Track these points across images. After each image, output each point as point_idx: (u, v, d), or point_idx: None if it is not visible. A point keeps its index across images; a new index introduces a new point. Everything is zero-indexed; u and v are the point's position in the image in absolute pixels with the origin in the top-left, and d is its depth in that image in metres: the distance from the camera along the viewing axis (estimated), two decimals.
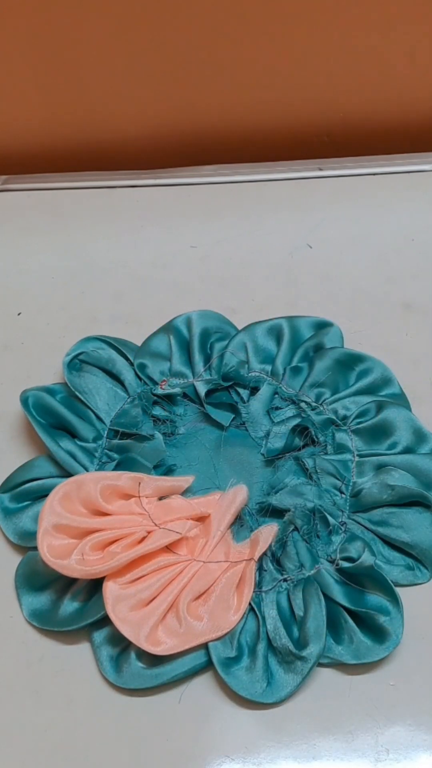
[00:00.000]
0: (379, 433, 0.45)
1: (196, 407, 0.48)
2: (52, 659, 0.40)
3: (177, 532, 0.41)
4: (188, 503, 0.43)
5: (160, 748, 0.37)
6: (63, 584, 0.41)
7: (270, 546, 0.41)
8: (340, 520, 0.43)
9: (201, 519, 0.43)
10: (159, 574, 0.40)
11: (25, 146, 0.65)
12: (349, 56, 0.61)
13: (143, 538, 0.41)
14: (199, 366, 0.48)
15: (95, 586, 0.40)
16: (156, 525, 0.42)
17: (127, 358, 0.49)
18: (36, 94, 0.62)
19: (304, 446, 0.46)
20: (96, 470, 0.45)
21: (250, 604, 0.40)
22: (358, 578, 0.40)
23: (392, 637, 0.38)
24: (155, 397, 0.47)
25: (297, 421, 0.46)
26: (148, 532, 0.41)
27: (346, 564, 0.40)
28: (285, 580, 0.41)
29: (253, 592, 0.40)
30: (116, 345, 0.49)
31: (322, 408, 0.46)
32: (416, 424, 0.45)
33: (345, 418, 0.46)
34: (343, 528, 0.42)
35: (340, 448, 0.45)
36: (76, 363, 0.49)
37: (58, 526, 0.41)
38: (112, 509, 0.42)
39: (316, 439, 0.46)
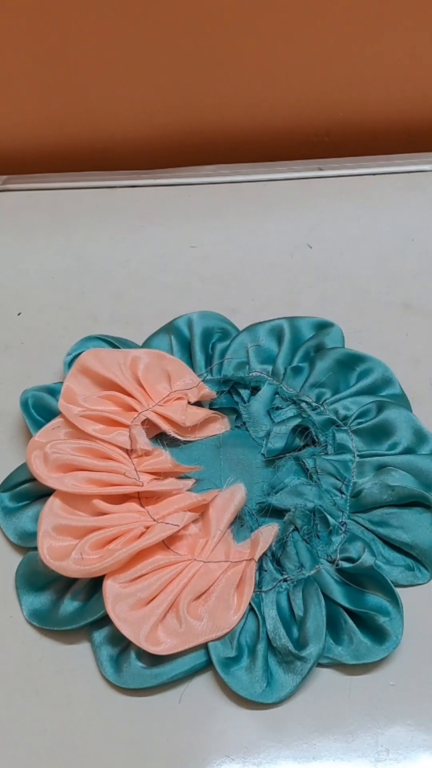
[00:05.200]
0: (379, 433, 0.45)
1: None
2: (52, 659, 0.40)
3: (175, 525, 0.41)
4: (185, 495, 0.43)
5: (160, 748, 0.37)
6: (63, 584, 0.41)
7: (270, 546, 0.41)
8: (340, 520, 0.43)
9: (198, 509, 0.43)
10: (159, 574, 0.40)
11: (25, 146, 0.65)
12: (349, 56, 0.61)
13: (142, 534, 0.41)
14: (201, 366, 0.48)
15: (95, 585, 0.40)
16: (154, 520, 0.42)
17: None
18: (36, 94, 0.62)
19: (304, 446, 0.46)
20: None
21: (250, 604, 0.40)
22: (358, 578, 0.40)
23: (392, 637, 0.38)
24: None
25: (297, 421, 0.46)
26: (147, 528, 0.41)
27: (346, 564, 0.40)
28: (285, 580, 0.41)
29: (253, 592, 0.40)
30: (116, 345, 0.49)
31: (322, 408, 0.46)
32: (417, 425, 0.45)
33: (345, 418, 0.46)
34: (343, 528, 0.42)
35: (341, 449, 0.45)
36: None
37: (58, 527, 0.41)
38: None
39: (316, 440, 0.46)
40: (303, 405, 0.47)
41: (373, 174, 0.60)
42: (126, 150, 0.65)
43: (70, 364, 0.48)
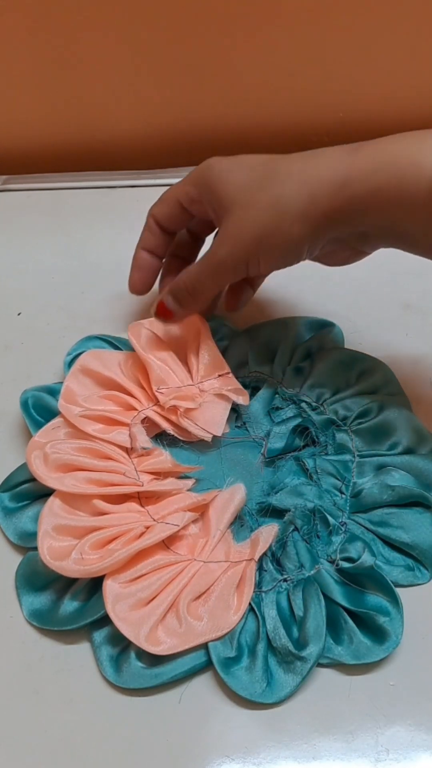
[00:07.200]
0: (379, 433, 0.45)
1: None
2: (52, 659, 0.40)
3: (175, 525, 0.41)
4: (185, 495, 0.43)
5: (160, 748, 0.37)
6: (63, 584, 0.41)
7: (270, 546, 0.41)
8: (340, 520, 0.43)
9: (198, 509, 0.43)
10: (159, 574, 0.40)
11: (25, 146, 0.65)
12: (349, 56, 0.61)
13: (142, 534, 0.41)
14: None
15: (95, 585, 0.40)
16: (154, 520, 0.42)
17: None
18: (36, 94, 0.62)
19: (304, 446, 0.46)
20: None
21: (250, 604, 0.40)
22: (358, 578, 0.40)
23: (392, 637, 0.38)
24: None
25: (297, 421, 0.46)
26: (147, 528, 0.41)
27: (346, 564, 0.40)
28: (285, 580, 0.41)
29: (253, 592, 0.40)
30: (116, 345, 0.49)
31: (322, 408, 0.46)
32: (417, 425, 0.45)
33: (345, 418, 0.46)
34: (343, 528, 0.42)
35: (341, 449, 0.45)
36: None
37: (58, 527, 0.41)
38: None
39: (316, 440, 0.46)
40: (303, 405, 0.47)
41: None
42: (126, 150, 0.65)
43: (70, 364, 0.48)
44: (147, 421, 0.45)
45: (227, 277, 0.44)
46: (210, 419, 0.46)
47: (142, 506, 0.43)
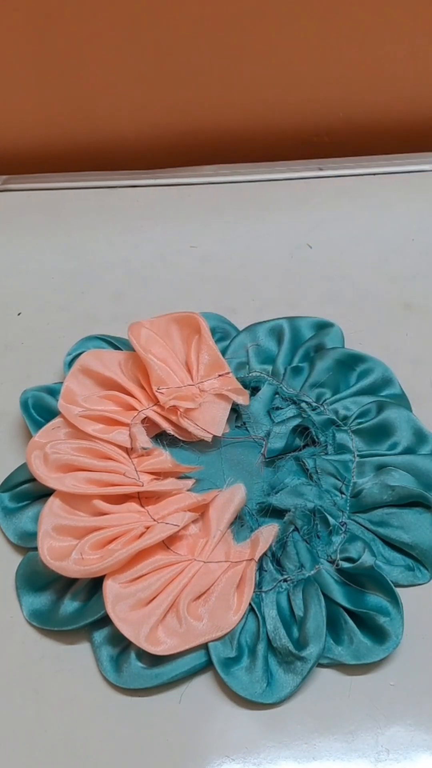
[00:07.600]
0: (379, 433, 0.45)
1: None
2: (52, 659, 0.40)
3: (175, 525, 0.41)
4: (185, 495, 0.43)
5: (160, 748, 0.37)
6: (63, 584, 0.41)
7: (270, 546, 0.41)
8: (340, 520, 0.43)
9: (198, 509, 0.43)
10: (159, 574, 0.40)
11: (25, 146, 0.65)
12: (349, 56, 0.61)
13: (142, 534, 0.41)
14: None
15: (95, 585, 0.40)
16: (154, 520, 0.42)
17: None
18: (36, 94, 0.62)
19: (304, 446, 0.46)
20: None
21: (250, 604, 0.40)
22: (358, 579, 0.40)
23: (392, 637, 0.38)
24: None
25: (297, 421, 0.46)
26: (147, 528, 0.41)
27: (346, 564, 0.40)
28: (285, 580, 0.41)
29: (254, 592, 0.40)
30: (116, 345, 0.49)
31: (322, 408, 0.46)
32: (417, 425, 0.45)
33: (345, 418, 0.46)
34: (343, 528, 0.42)
35: (341, 449, 0.45)
36: None
37: (58, 527, 0.41)
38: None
39: (316, 440, 0.46)
40: (303, 405, 0.47)
41: (373, 174, 0.60)
42: (126, 150, 0.65)
43: (70, 364, 0.48)
44: (147, 421, 0.45)
45: None
46: (210, 419, 0.46)
47: (142, 506, 0.43)
